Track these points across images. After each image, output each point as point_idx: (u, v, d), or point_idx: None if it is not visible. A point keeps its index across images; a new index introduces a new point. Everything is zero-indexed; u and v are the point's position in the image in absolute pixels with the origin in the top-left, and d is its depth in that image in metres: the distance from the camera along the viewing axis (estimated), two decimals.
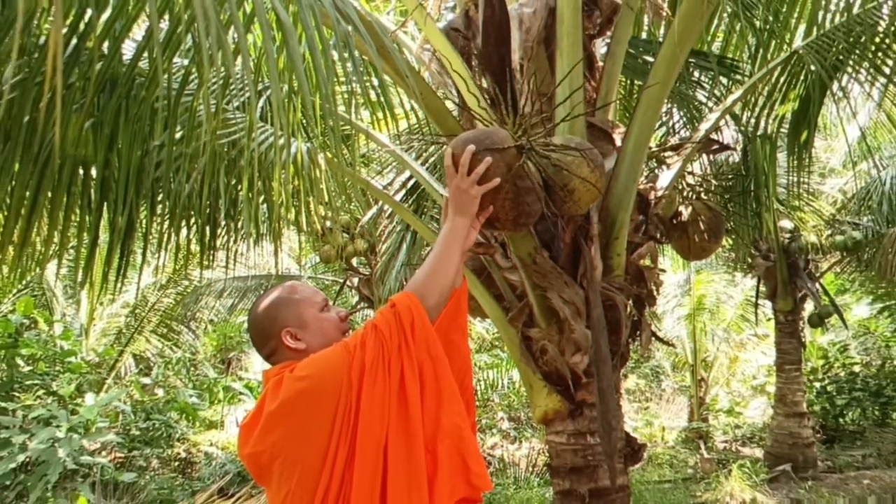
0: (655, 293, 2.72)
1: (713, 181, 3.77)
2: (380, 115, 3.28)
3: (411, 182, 4.25)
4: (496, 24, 2.31)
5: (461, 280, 1.68)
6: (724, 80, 3.74)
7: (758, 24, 3.40)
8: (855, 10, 3.13)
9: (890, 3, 3.11)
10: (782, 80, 3.45)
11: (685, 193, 3.23)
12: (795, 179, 4.16)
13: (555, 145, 1.95)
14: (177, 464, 8.11)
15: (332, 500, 1.34)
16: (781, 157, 4.60)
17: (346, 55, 1.73)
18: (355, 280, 6.82)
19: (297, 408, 1.37)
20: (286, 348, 1.50)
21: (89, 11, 1.97)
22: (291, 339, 1.50)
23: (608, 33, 2.77)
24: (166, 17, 2.21)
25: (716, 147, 3.41)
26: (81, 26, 2.02)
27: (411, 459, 1.37)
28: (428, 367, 1.43)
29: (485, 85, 2.63)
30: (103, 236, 2.65)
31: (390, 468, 1.35)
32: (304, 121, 3.21)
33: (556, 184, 1.91)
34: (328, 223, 5.36)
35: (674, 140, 3.64)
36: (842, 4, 3.19)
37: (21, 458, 4.90)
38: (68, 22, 1.99)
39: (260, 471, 1.44)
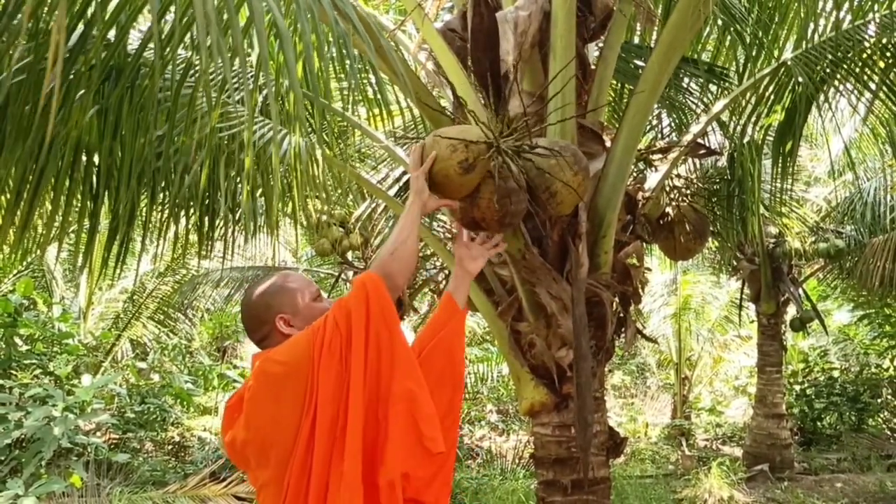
0: (641, 291, 2.80)
1: (700, 184, 3.87)
2: (376, 111, 3.33)
3: (405, 178, 4.32)
4: (484, 31, 2.39)
5: (462, 301, 1.82)
6: (713, 88, 3.83)
7: (747, 37, 3.49)
8: (844, 27, 3.23)
9: (876, 20, 3.21)
10: (770, 89, 3.54)
11: (672, 195, 3.33)
12: (780, 186, 4.27)
13: (532, 147, 2.02)
14: (170, 447, 8.16)
15: (296, 471, 1.39)
16: (768, 163, 4.71)
17: (344, 53, 1.79)
18: (350, 273, 6.89)
19: (271, 392, 1.42)
20: (278, 333, 1.55)
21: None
22: (285, 325, 1.55)
23: (601, 38, 2.85)
24: (172, 9, 2.26)
25: (703, 151, 3.50)
26: (89, 13, 2.06)
27: (346, 431, 1.40)
28: (385, 334, 1.47)
29: (478, 84, 2.71)
30: (104, 222, 2.69)
31: (336, 442, 1.40)
32: (301, 117, 3.26)
33: (538, 187, 1.98)
34: (324, 217, 5.42)
35: (662, 143, 3.73)
36: (831, 20, 3.29)
37: (16, 434, 4.95)
38: (75, 9, 2.03)
39: (234, 454, 1.50)
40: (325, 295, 1.73)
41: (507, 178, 1.85)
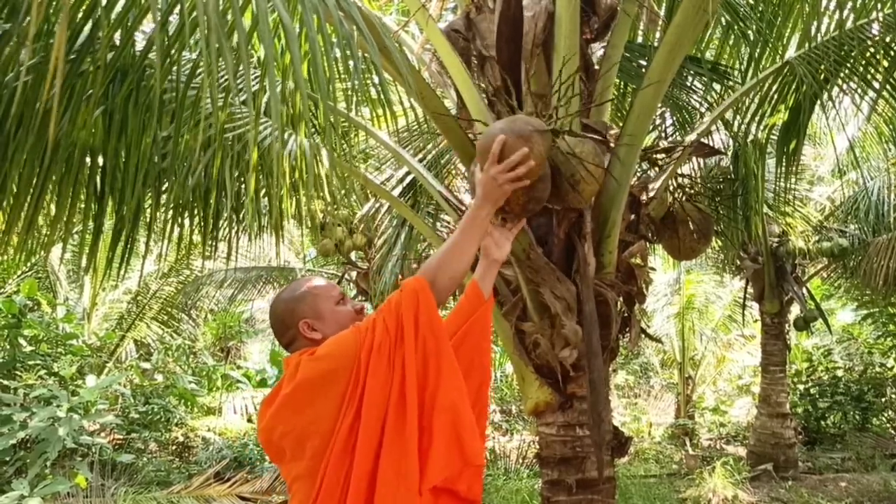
0: (645, 291, 2.80)
1: (704, 184, 3.86)
2: (379, 112, 3.33)
3: (408, 178, 4.33)
4: (510, 19, 2.37)
5: (489, 290, 1.78)
6: (717, 86, 3.82)
7: (751, 35, 3.48)
8: (848, 26, 3.22)
9: (880, 19, 3.21)
10: (774, 88, 3.53)
11: (676, 195, 3.32)
12: (784, 185, 4.27)
13: (574, 132, 1.99)
14: (174, 447, 8.20)
15: (333, 465, 1.43)
16: (772, 162, 4.70)
17: (348, 53, 1.79)
18: (353, 274, 6.90)
19: (311, 387, 1.47)
20: (304, 338, 1.60)
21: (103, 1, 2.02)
22: (308, 330, 1.60)
23: (605, 38, 2.85)
24: (176, 10, 2.27)
25: (707, 151, 3.49)
26: (97, 13, 2.06)
27: (404, 435, 1.45)
28: (431, 345, 1.51)
29: (482, 85, 2.71)
30: (107, 223, 2.70)
31: (385, 441, 1.45)
32: (305, 118, 3.27)
33: (563, 174, 1.95)
34: (327, 217, 5.43)
35: (666, 143, 3.73)
36: (835, 18, 3.28)
37: (21, 434, 4.97)
38: (82, 9, 2.04)
39: (270, 447, 1.55)
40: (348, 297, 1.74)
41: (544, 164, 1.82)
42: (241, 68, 2.10)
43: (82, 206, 2.54)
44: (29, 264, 7.79)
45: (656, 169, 3.10)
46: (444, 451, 1.47)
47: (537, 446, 2.66)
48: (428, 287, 1.54)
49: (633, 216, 2.76)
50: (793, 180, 4.61)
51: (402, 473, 1.43)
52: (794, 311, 8.21)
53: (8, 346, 6.08)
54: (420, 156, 4.23)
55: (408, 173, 4.26)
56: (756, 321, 9.29)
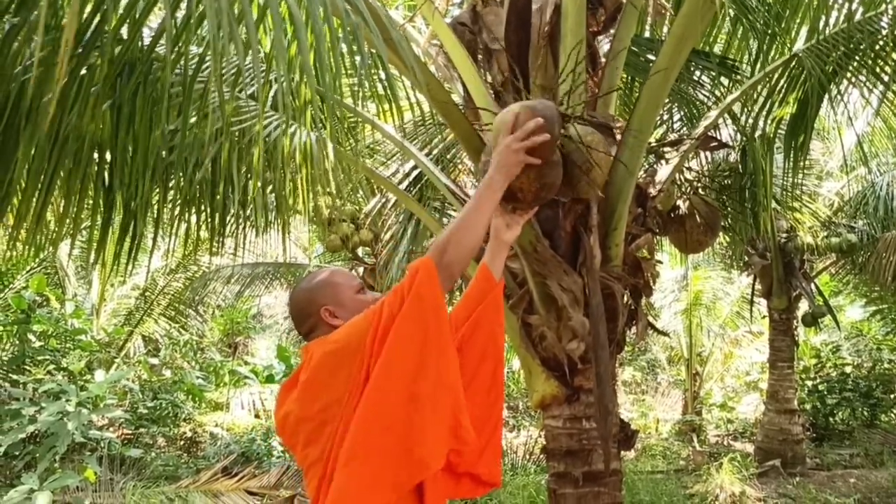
0: (651, 284, 2.79)
1: (711, 178, 3.85)
2: (385, 106, 3.33)
3: (415, 172, 4.33)
4: (518, 10, 2.38)
5: (499, 272, 1.76)
6: (725, 81, 3.80)
7: (759, 27, 3.46)
8: (857, 18, 3.19)
9: (890, 12, 3.17)
10: (782, 82, 3.51)
11: (683, 188, 3.31)
12: (792, 180, 4.24)
13: (585, 120, 2.02)
14: (182, 442, 8.27)
15: (339, 447, 1.41)
16: (780, 157, 4.67)
17: (354, 48, 1.79)
18: (360, 269, 6.91)
19: (325, 372, 1.46)
20: (324, 324, 1.59)
21: None
22: (329, 317, 1.59)
23: (611, 30, 2.84)
24: (183, 4, 2.27)
25: (714, 144, 3.48)
26: (105, 5, 2.07)
27: (382, 413, 1.40)
28: (433, 321, 1.44)
29: (489, 79, 2.71)
30: (116, 218, 2.71)
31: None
32: (312, 111, 3.27)
33: (574, 161, 1.96)
34: (334, 213, 5.44)
35: (673, 137, 3.71)
36: (843, 11, 3.25)
37: (30, 429, 5.00)
38: (90, 4, 2.04)
39: (285, 432, 1.54)
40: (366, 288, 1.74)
41: (555, 150, 1.81)
42: (248, 60, 2.11)
43: (90, 201, 2.55)
44: (37, 260, 7.83)
45: (664, 162, 3.10)
46: (444, 430, 1.41)
47: (544, 440, 2.66)
48: (432, 265, 1.45)
49: (639, 209, 2.76)
50: (801, 175, 4.58)
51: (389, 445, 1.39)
52: (803, 307, 8.17)
53: (17, 342, 6.13)
54: (426, 150, 4.23)
55: (414, 167, 4.26)
56: (764, 317, 9.26)
